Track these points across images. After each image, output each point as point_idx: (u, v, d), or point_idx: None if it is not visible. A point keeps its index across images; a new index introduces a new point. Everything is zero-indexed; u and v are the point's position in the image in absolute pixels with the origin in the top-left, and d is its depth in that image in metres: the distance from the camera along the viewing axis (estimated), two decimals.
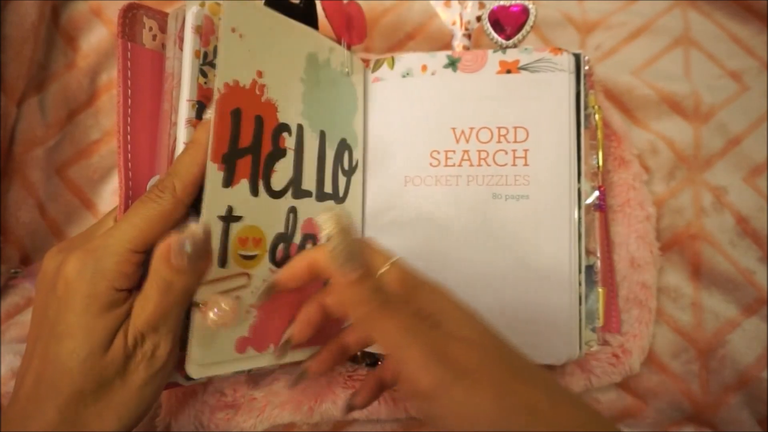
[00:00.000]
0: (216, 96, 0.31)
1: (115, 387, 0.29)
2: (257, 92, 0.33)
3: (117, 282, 0.29)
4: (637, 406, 0.45)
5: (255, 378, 0.41)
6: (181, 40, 0.32)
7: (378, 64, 0.42)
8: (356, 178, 0.41)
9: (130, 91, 0.32)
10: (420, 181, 0.40)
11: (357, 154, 0.41)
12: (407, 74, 0.41)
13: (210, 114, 0.31)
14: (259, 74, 0.33)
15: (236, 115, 0.32)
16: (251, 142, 0.32)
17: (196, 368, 0.31)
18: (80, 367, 0.28)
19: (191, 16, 0.31)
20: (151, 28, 0.33)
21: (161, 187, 0.30)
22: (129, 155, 0.32)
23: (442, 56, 0.41)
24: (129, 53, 0.32)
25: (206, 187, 0.30)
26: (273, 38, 0.34)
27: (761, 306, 0.46)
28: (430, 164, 0.40)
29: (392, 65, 0.42)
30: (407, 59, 0.42)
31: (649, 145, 0.49)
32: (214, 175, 0.31)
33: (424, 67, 0.41)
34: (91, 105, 0.48)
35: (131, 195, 0.32)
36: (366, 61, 0.43)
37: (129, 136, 0.32)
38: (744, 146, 0.49)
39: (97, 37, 0.48)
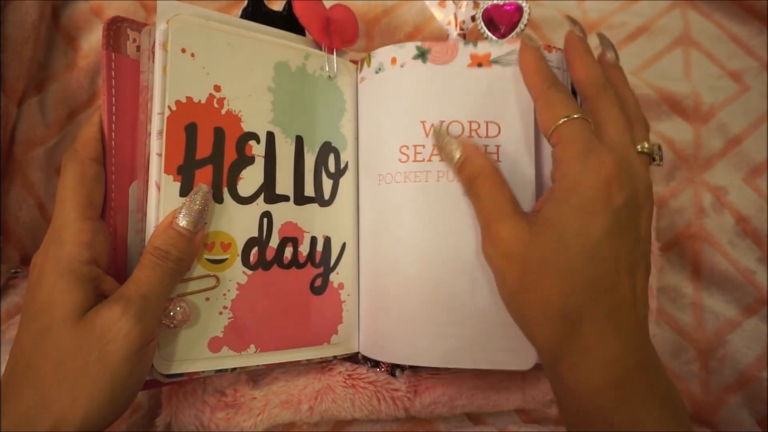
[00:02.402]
0: (167, 113, 0.33)
1: (90, 363, 0.28)
2: (215, 105, 0.35)
3: (78, 252, 0.30)
4: None
5: (255, 378, 0.41)
6: (154, 54, 0.33)
7: (361, 64, 0.41)
8: (347, 180, 0.41)
9: (114, 99, 0.34)
10: (390, 178, 0.39)
11: (346, 156, 0.41)
12: (380, 69, 0.40)
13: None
14: (217, 89, 0.35)
15: (191, 129, 0.34)
16: (211, 152, 0.34)
17: (163, 363, 0.33)
18: (54, 340, 0.28)
19: (159, 33, 0.33)
20: (134, 40, 0.35)
21: (76, 149, 0.33)
22: (113, 159, 0.34)
23: (411, 47, 0.39)
24: (113, 63, 0.34)
25: (162, 197, 0.33)
26: (231, 53, 0.36)
27: (761, 306, 0.46)
28: (399, 160, 0.38)
29: (369, 62, 0.41)
30: (379, 54, 0.40)
31: None
32: (169, 186, 0.33)
33: (394, 60, 0.39)
34: (91, 105, 0.48)
35: (113, 198, 0.34)
36: (356, 62, 0.42)
37: (113, 142, 0.34)
38: (744, 146, 0.49)
39: (98, 37, 0.48)
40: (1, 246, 0.43)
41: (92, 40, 0.48)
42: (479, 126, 0.38)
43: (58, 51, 0.48)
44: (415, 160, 0.38)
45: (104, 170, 0.34)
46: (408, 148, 0.38)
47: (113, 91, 0.34)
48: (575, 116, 0.31)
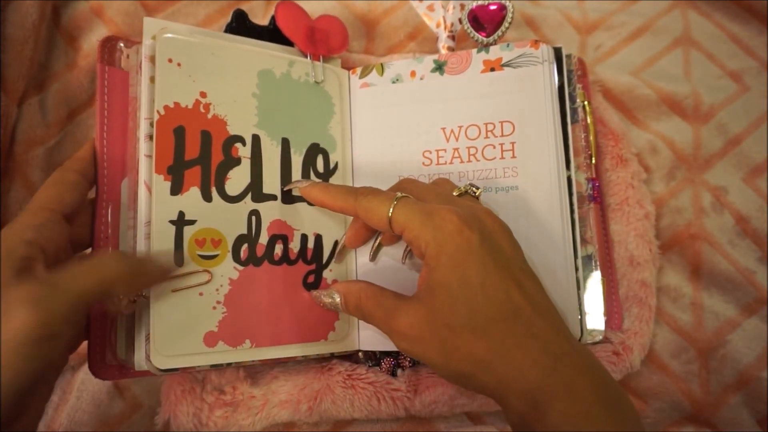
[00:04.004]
0: (156, 117, 0.35)
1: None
2: (202, 110, 0.37)
3: (21, 231, 0.30)
4: (637, 405, 0.45)
5: (254, 376, 0.41)
6: (141, 69, 0.36)
7: (366, 71, 0.44)
8: (337, 179, 0.42)
9: (106, 104, 0.38)
10: None
11: (336, 157, 0.42)
12: (397, 80, 0.43)
13: None
14: (203, 95, 0.37)
15: (179, 131, 0.36)
16: (199, 154, 0.37)
17: (161, 358, 0.34)
18: None
19: (145, 47, 0.36)
20: (128, 56, 0.39)
21: (64, 164, 0.36)
22: (105, 157, 0.37)
23: (429, 61, 0.43)
24: (106, 74, 0.38)
25: (153, 196, 0.35)
26: (215, 62, 0.38)
27: (761, 306, 0.46)
28: (423, 164, 0.42)
29: (381, 72, 0.43)
30: (396, 66, 0.43)
31: (649, 144, 0.49)
32: (160, 185, 0.35)
33: (413, 73, 0.43)
34: (91, 105, 0.48)
35: (106, 190, 0.37)
36: (353, 68, 0.44)
37: (105, 141, 0.37)
38: (744, 146, 0.49)
39: (98, 36, 0.48)
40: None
41: (92, 39, 0.48)
42: (494, 126, 0.41)
43: (58, 51, 0.48)
44: (438, 164, 0.41)
45: (85, 182, 0.36)
46: (431, 152, 0.42)
47: (105, 98, 0.38)
48: (395, 201, 0.32)
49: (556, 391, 0.28)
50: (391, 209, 0.32)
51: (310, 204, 0.40)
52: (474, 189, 0.36)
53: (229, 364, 0.36)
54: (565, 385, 0.28)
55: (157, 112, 0.35)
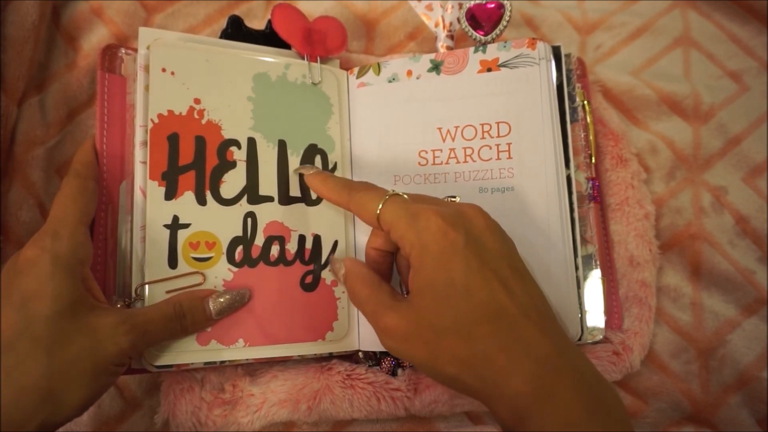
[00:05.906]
0: (150, 126, 0.36)
1: (81, 358, 0.30)
2: (196, 116, 0.38)
3: (75, 249, 0.32)
4: (637, 405, 0.45)
5: (253, 374, 0.41)
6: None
7: (363, 71, 0.44)
8: None
9: (106, 109, 0.39)
10: (409, 179, 0.42)
11: (335, 157, 0.42)
12: (393, 79, 0.43)
13: None
14: (197, 101, 0.38)
15: (173, 138, 0.37)
16: (193, 159, 0.37)
17: (154, 355, 0.35)
18: (47, 329, 0.30)
19: (140, 57, 0.38)
20: (127, 64, 0.40)
21: (77, 169, 0.36)
22: (104, 159, 0.38)
23: (425, 60, 0.43)
24: (106, 80, 0.39)
25: (147, 200, 0.36)
26: (209, 69, 0.39)
27: (761, 306, 0.46)
28: (419, 163, 0.42)
29: (378, 71, 0.43)
30: (393, 65, 0.43)
31: (649, 145, 0.49)
32: (154, 190, 0.36)
33: (410, 72, 0.43)
34: (91, 105, 0.48)
35: (105, 193, 0.38)
36: (351, 69, 0.44)
37: (105, 145, 0.38)
38: (744, 146, 0.49)
39: (98, 36, 0.48)
40: (1, 246, 0.43)
41: (92, 40, 0.48)
42: (491, 127, 0.41)
43: (58, 51, 0.48)
44: (434, 164, 0.41)
45: (98, 188, 0.37)
46: (427, 152, 0.41)
47: (105, 104, 0.39)
48: (386, 198, 0.33)
49: (536, 397, 0.27)
50: (380, 206, 0.32)
51: (308, 204, 0.40)
52: (451, 199, 0.36)
53: (222, 362, 0.37)
54: (547, 390, 0.27)
55: (151, 120, 0.36)
